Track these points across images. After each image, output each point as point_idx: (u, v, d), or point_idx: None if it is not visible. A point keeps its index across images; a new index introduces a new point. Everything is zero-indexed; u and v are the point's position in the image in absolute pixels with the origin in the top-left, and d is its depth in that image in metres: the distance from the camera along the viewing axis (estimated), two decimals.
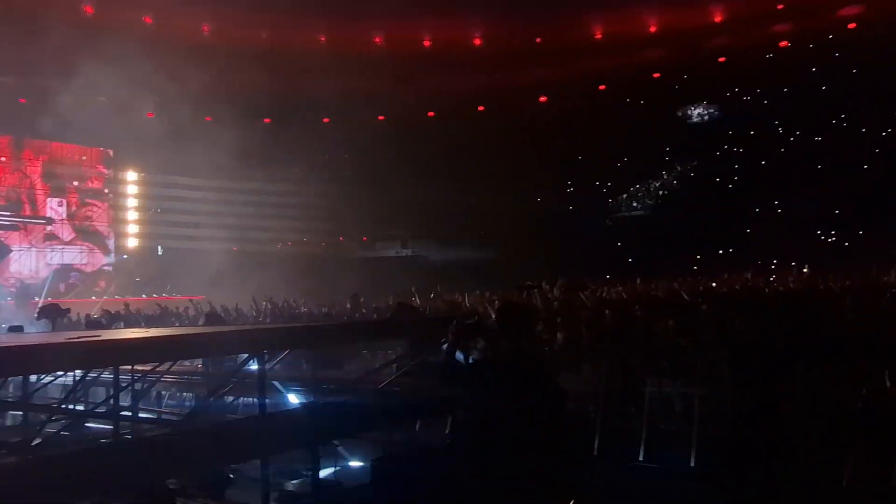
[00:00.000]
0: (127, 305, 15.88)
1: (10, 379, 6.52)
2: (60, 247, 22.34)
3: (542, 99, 24.83)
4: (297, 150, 21.18)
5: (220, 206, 21.72)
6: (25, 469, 3.73)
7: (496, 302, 9.39)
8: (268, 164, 21.12)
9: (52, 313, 8.86)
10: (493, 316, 5.32)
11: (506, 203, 22.56)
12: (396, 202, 22.61)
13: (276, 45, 21.26)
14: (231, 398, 6.72)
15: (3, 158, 21.83)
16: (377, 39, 23.49)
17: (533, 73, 23.69)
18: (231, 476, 4.93)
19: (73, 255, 22.55)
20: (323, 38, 22.95)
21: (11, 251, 21.27)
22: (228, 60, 18.87)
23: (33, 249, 21.83)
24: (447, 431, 5.86)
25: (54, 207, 22.77)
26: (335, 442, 5.33)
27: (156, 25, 19.98)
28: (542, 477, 3.33)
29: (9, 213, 21.55)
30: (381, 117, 24.47)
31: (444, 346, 5.10)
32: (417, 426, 6.63)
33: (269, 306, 13.04)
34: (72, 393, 5.65)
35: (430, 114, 25.35)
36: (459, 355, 5.14)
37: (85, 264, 22.57)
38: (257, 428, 4.20)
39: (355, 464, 5.50)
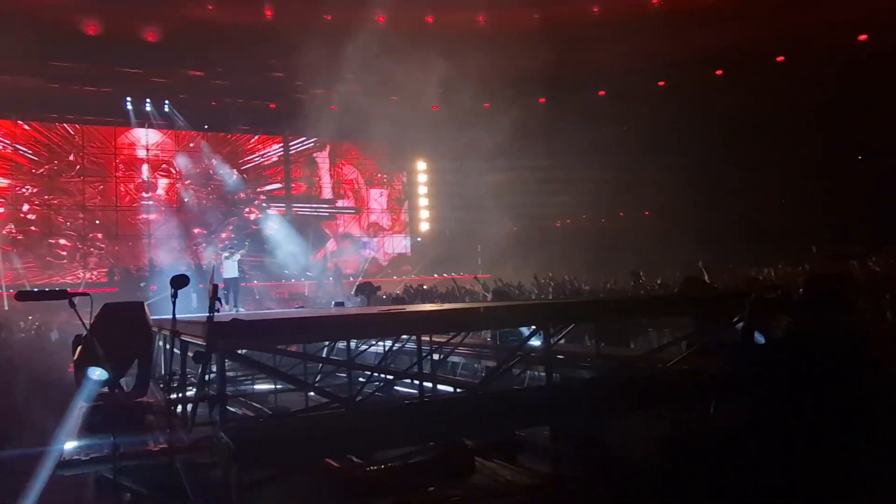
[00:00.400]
0: (421, 285, 17.71)
1: (336, 345, 7.78)
2: (372, 233, 25.83)
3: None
4: (573, 126, 21.31)
5: (502, 186, 22.82)
6: (352, 419, 4.46)
7: (804, 275, 8.37)
8: (545, 143, 21.56)
9: (367, 290, 10.29)
10: (801, 290, 4.78)
11: (783, 161, 19.97)
12: (671, 171, 21.37)
13: (549, 23, 21.46)
14: (518, 371, 7.10)
15: (312, 159, 25.76)
16: (654, 1, 22.31)
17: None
18: (522, 438, 5.22)
19: (380, 241, 25.86)
20: (596, 10, 22.54)
21: (329, 237, 25.14)
22: (502, 46, 19.65)
23: (348, 235, 25.59)
24: (743, 413, 5.45)
25: (376, 198, 26.33)
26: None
27: (436, 24, 21.63)
28: (863, 468, 2.94)
29: (326, 205, 25.54)
30: (661, 83, 23.34)
31: (740, 323, 4.74)
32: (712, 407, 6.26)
33: (552, 283, 13.40)
34: (383, 360, 6.49)
35: (718, 72, 23.33)
36: (758, 334, 4.73)
37: (380, 250, 25.65)
38: (546, 396, 4.41)
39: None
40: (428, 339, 7.18)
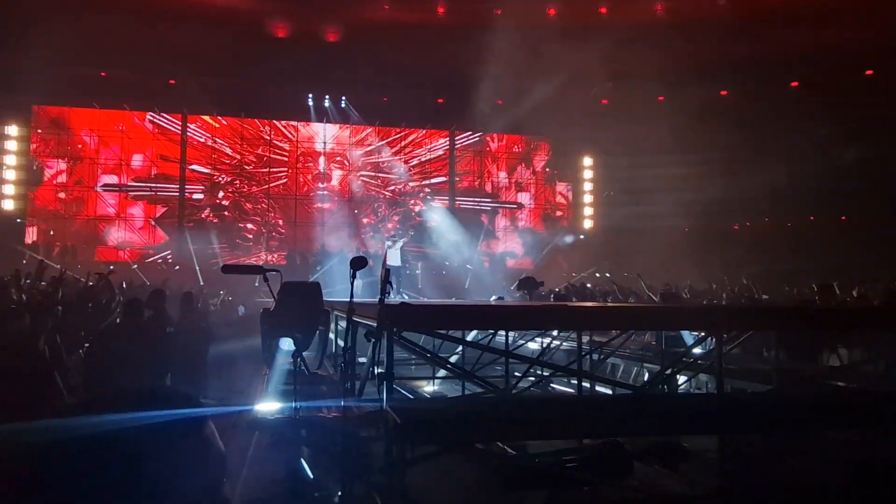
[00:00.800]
0: (584, 283, 17.44)
1: (494, 339, 7.95)
2: (535, 229, 25.90)
3: None
4: (760, 120, 19.86)
5: (675, 184, 21.83)
6: (510, 408, 4.56)
7: None
8: (725, 138, 20.26)
9: (529, 285, 10.40)
10: None
11: None
12: (876, 171, 19.11)
13: (736, 9, 20.11)
14: (684, 378, 6.82)
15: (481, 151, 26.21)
16: None
17: None
18: (685, 448, 5.04)
19: (542, 237, 25.83)
20: None
21: (491, 231, 25.53)
22: (682, 35, 18.76)
23: (510, 229, 25.86)
24: None
25: (541, 194, 26.42)
26: None
27: (610, 14, 21.10)
28: None
29: (489, 199, 25.97)
30: (868, 72, 21.01)
31: None
32: None
33: (728, 288, 12.64)
34: (541, 355, 6.54)
35: None
36: None
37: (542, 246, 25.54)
38: (716, 404, 4.22)
39: None
40: (588, 337, 7.12)
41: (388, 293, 4.40)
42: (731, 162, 20.79)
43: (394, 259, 15.06)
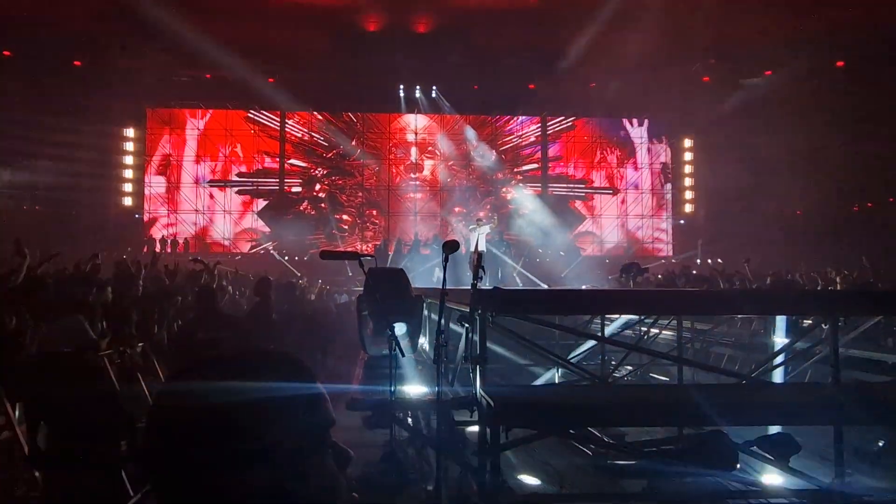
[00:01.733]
0: (688, 269, 16.81)
1: (591, 328, 7.82)
2: (631, 215, 25.21)
3: None
4: (878, 98, 18.34)
5: (782, 166, 20.63)
6: (607, 394, 4.48)
7: None
8: (839, 117, 18.89)
9: (633, 271, 10.23)
10: None
11: None
12: None
13: None
14: (794, 368, 6.45)
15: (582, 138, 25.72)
16: None
17: None
18: (795, 440, 4.76)
19: (640, 223, 25.12)
20: None
21: (585, 218, 25.05)
22: (786, 5, 17.60)
23: (604, 215, 25.26)
24: None
25: (636, 178, 25.70)
26: None
27: None
28: None
29: (583, 185, 25.46)
30: None
31: None
32: None
33: (844, 274, 11.84)
34: (639, 340, 6.37)
35: None
36: None
37: (640, 232, 24.81)
38: (831, 394, 3.96)
39: None
40: (690, 325, 6.87)
41: (481, 278, 4.41)
42: (850, 146, 19.32)
43: (481, 245, 14.85)
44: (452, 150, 24.83)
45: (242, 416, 0.86)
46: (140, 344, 6.60)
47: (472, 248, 13.81)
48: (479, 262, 4.49)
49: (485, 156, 24.77)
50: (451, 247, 4.11)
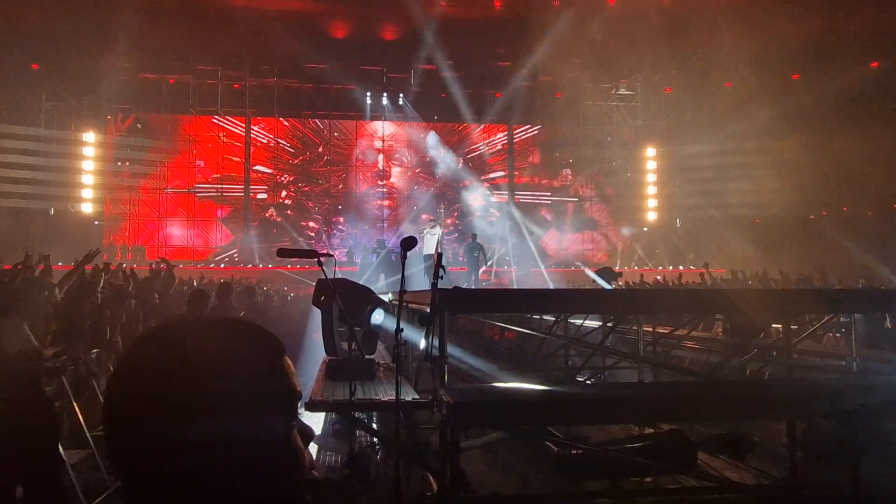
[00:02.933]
0: (647, 278, 17.03)
1: (554, 330, 7.85)
2: (595, 222, 25.49)
3: None
4: (834, 105, 18.84)
5: (742, 173, 21.08)
6: (569, 395, 4.47)
7: None
8: (800, 123, 19.34)
9: (608, 276, 10.37)
10: None
11: None
12: None
13: None
14: (754, 367, 6.55)
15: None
16: None
17: None
18: (755, 440, 4.83)
19: (603, 230, 25.38)
20: None
21: (551, 225, 25.22)
22: (750, 17, 18.05)
23: (571, 221, 25.47)
24: None
25: (599, 186, 25.95)
26: None
27: (674, 2, 20.41)
28: None
29: (549, 193, 25.68)
30: None
31: None
32: None
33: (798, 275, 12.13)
34: (602, 342, 6.40)
35: None
36: None
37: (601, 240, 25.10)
38: (789, 390, 4.01)
39: None
40: (651, 328, 6.93)
41: (441, 277, 4.38)
42: (809, 153, 19.79)
43: (429, 247, 14.36)
44: (419, 158, 24.82)
45: (202, 384, 0.82)
46: (94, 350, 6.43)
47: (432, 251, 13.61)
48: (438, 261, 4.45)
49: (448, 162, 24.81)
50: (408, 243, 4.08)
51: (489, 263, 16.46)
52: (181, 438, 0.79)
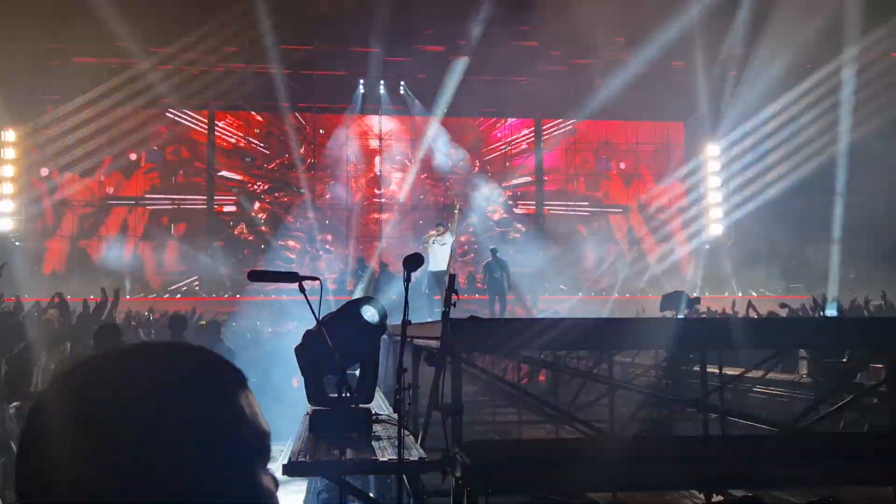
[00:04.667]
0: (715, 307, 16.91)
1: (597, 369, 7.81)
2: (644, 238, 25.43)
3: None
4: None
5: (830, 179, 21.00)
6: (614, 449, 4.42)
7: None
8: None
9: (679, 303, 10.37)
10: None
11: None
12: None
13: None
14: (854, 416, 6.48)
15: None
16: None
17: None
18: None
19: (655, 246, 25.30)
20: None
21: (586, 241, 25.19)
22: None
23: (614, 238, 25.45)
24: None
25: (651, 193, 25.94)
26: None
27: None
28: None
29: (586, 203, 25.68)
30: None
31: None
32: None
33: None
34: (661, 381, 6.37)
35: None
36: None
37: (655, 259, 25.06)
38: (891, 444, 3.94)
39: None
40: (717, 369, 6.88)
41: (455, 303, 4.38)
42: None
43: (440, 262, 13.57)
44: (427, 160, 24.93)
45: (141, 430, 0.81)
46: (14, 404, 6.47)
47: (434, 267, 13.06)
48: (451, 284, 4.45)
49: (462, 166, 24.90)
50: (413, 262, 4.08)
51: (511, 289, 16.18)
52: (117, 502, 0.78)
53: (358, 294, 16.04)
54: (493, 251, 15.92)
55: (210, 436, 0.83)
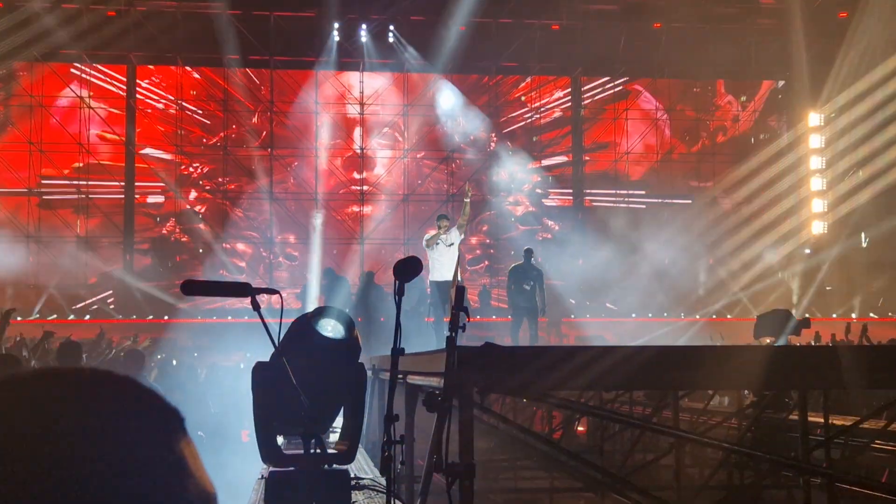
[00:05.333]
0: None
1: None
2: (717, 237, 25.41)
3: None
4: None
5: None
6: None
7: None
8: None
9: (784, 326, 10.40)
10: None
11: None
12: None
13: None
14: None
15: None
16: None
17: None
18: None
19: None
20: None
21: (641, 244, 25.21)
22: None
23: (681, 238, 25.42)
24: None
25: (727, 178, 25.93)
26: None
27: None
28: None
29: (642, 191, 25.67)
30: None
31: None
32: None
33: None
34: (745, 434, 6.36)
35: None
36: None
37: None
38: None
39: None
40: (821, 418, 6.87)
41: (463, 327, 4.36)
42: None
43: (445, 269, 13.45)
44: (426, 132, 24.89)
45: (47, 479, 0.81)
46: None
47: (435, 277, 12.86)
48: (459, 298, 4.43)
49: (480, 141, 24.88)
50: (407, 269, 4.06)
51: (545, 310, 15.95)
52: None
53: None
54: (528, 253, 15.38)
55: (144, 491, 0.83)
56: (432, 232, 13.84)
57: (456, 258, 13.02)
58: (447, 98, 24.71)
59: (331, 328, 4.83)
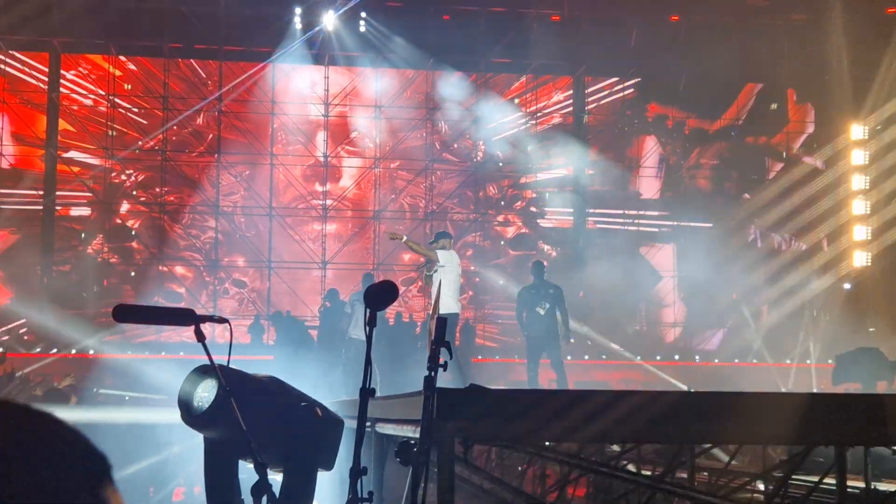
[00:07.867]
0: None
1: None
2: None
3: None
4: None
5: None
6: None
7: None
8: None
9: (863, 370, 10.36)
10: None
11: None
12: None
13: None
14: None
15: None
16: None
17: None
18: None
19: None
20: None
21: (658, 273, 25.31)
22: None
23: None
24: None
25: (754, 198, 26.09)
26: None
27: None
28: None
29: (656, 211, 25.73)
30: None
31: None
32: None
33: None
34: (773, 498, 6.37)
35: None
36: None
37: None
38: None
39: None
40: (861, 482, 6.91)
41: (444, 365, 4.37)
42: None
43: (449, 299, 12.60)
44: (403, 136, 24.91)
45: None
46: None
47: (449, 307, 12.28)
48: (440, 331, 4.44)
49: (466, 150, 24.95)
50: (378, 296, 4.07)
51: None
52: None
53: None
54: (538, 268, 14.34)
55: None
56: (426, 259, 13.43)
57: (457, 284, 12.77)
58: (427, 99, 24.76)
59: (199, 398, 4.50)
